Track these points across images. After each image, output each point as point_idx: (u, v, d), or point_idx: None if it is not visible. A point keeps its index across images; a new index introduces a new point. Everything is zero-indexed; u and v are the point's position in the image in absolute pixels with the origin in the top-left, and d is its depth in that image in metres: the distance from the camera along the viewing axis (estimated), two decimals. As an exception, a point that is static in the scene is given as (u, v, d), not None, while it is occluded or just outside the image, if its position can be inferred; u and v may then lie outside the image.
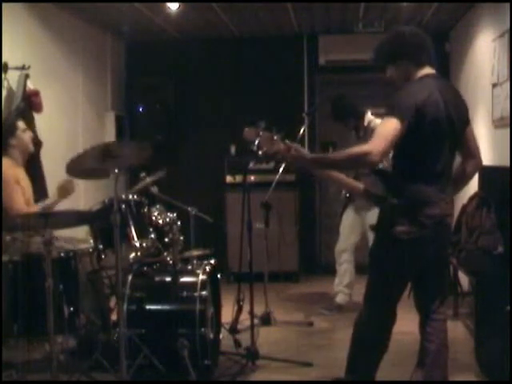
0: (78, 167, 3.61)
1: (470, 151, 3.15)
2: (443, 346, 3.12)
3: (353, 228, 5.50)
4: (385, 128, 2.80)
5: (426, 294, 3.15)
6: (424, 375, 3.09)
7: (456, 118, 2.99)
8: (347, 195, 5.46)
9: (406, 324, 3.42)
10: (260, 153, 3.06)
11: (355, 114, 5.36)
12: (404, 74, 3.06)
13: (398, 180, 2.91)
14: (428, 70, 3.04)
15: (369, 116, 5.35)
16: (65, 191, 4.28)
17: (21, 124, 4.37)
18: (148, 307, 3.95)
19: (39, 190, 4.56)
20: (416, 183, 2.91)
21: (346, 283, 5.57)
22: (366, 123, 5.32)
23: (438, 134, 2.92)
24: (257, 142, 3.08)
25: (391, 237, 2.98)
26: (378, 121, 5.26)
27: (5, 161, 4.23)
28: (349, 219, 5.53)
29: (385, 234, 3.04)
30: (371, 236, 5.26)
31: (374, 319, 3.12)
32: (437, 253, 3.06)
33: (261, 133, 3.10)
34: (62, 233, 4.08)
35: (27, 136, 4.36)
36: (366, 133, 5.28)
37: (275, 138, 3.07)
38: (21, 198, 4.17)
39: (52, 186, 5.07)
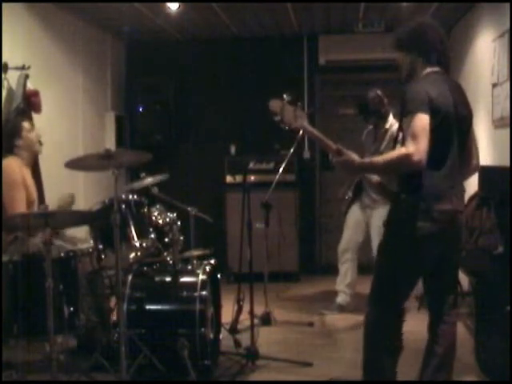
0: (77, 164, 3.74)
1: (471, 151, 3.15)
2: (451, 350, 3.10)
3: (357, 227, 5.49)
4: (418, 126, 2.78)
5: (438, 293, 3.13)
6: (429, 376, 3.08)
7: (464, 115, 3.01)
8: (351, 194, 5.45)
9: (409, 323, 3.41)
10: (282, 126, 3.09)
11: (378, 112, 5.31)
12: (411, 65, 3.07)
13: (411, 176, 2.91)
14: (435, 68, 3.05)
15: (391, 119, 5.28)
16: (65, 205, 4.32)
17: (26, 124, 4.37)
18: (148, 307, 3.95)
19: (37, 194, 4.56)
20: (428, 179, 2.90)
21: (347, 283, 5.57)
22: (387, 125, 5.25)
23: (449, 130, 2.92)
24: (279, 115, 3.10)
25: (403, 232, 2.96)
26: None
27: (13, 160, 4.23)
28: (353, 218, 5.51)
29: (396, 230, 3.02)
30: (375, 235, 5.29)
31: (383, 318, 3.07)
32: (449, 250, 3.04)
33: (285, 106, 3.10)
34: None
35: (33, 135, 4.36)
36: (385, 136, 5.21)
37: (298, 113, 3.09)
38: (23, 200, 4.17)
39: (51, 186, 5.08)
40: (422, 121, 2.79)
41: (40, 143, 4.43)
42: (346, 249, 5.56)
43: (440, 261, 3.04)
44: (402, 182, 3.01)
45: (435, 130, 2.82)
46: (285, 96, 3.18)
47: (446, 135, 2.92)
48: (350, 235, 5.55)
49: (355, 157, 2.94)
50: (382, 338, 3.08)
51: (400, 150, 2.82)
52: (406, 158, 2.75)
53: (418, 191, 2.92)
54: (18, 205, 4.09)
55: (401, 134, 2.99)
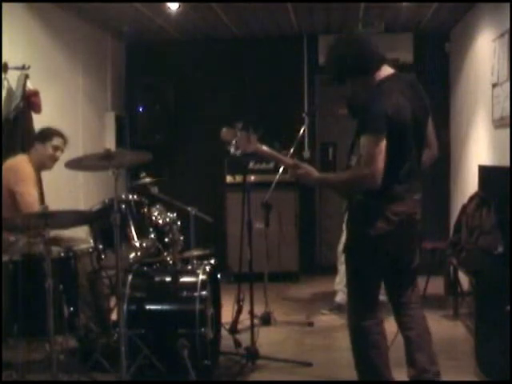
0: (77, 164, 3.75)
1: (427, 142, 3.18)
2: (424, 331, 3.16)
3: None
4: (374, 148, 2.85)
5: (396, 289, 3.21)
6: (410, 362, 3.12)
7: (420, 115, 3.03)
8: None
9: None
10: (238, 153, 3.20)
11: None
12: (363, 84, 3.08)
13: None
14: (384, 72, 3.05)
15: None
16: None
17: (59, 141, 4.36)
18: (148, 307, 3.95)
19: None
20: (385, 182, 2.93)
21: (346, 282, 5.56)
22: None
23: (405, 137, 2.96)
24: (234, 143, 3.19)
25: (359, 232, 3.05)
26: None
27: (24, 159, 4.28)
28: None
29: (353, 230, 3.12)
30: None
31: (358, 317, 3.15)
32: (405, 248, 3.12)
33: (238, 133, 3.20)
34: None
35: (55, 154, 4.36)
36: None
37: (251, 138, 3.21)
38: (36, 195, 4.20)
39: (51, 186, 5.08)
40: (379, 142, 2.85)
41: (55, 159, 4.41)
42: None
43: (397, 259, 3.12)
44: None
45: (392, 143, 2.87)
46: (237, 125, 3.27)
47: (403, 144, 2.96)
48: None
49: (313, 171, 3.08)
50: (364, 338, 3.13)
51: (356, 171, 2.94)
52: (362, 179, 2.89)
53: (374, 193, 2.96)
54: (33, 200, 4.11)
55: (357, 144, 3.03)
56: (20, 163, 4.27)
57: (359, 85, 3.10)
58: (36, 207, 4.04)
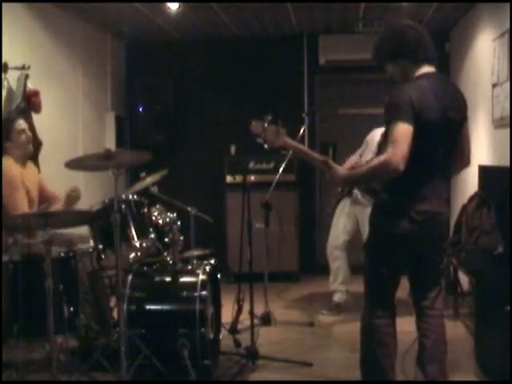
0: (77, 164, 3.75)
1: (463, 150, 3.17)
2: (440, 341, 3.14)
3: (345, 224, 5.46)
4: (398, 133, 2.84)
5: (420, 289, 3.18)
6: (421, 369, 3.10)
7: (453, 117, 3.01)
8: (341, 190, 5.40)
9: (407, 324, 3.43)
10: (266, 146, 3.16)
11: None
12: (403, 72, 3.09)
13: (393, 177, 2.95)
14: (426, 69, 3.06)
15: None
16: (71, 200, 4.31)
17: (18, 125, 4.32)
18: (148, 307, 3.95)
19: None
20: (409, 181, 2.93)
21: (340, 280, 5.55)
22: None
23: (432, 135, 2.94)
24: (263, 136, 3.17)
25: (382, 231, 3.04)
26: None
27: (10, 160, 4.24)
28: (342, 215, 5.47)
29: (376, 228, 3.11)
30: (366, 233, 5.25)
31: (372, 315, 3.12)
32: (430, 248, 3.09)
33: (266, 126, 3.16)
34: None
35: (23, 137, 4.31)
36: None
37: (280, 131, 3.16)
38: (24, 199, 4.18)
39: (51, 186, 5.08)
40: (403, 129, 2.83)
41: (36, 144, 4.40)
42: (334, 246, 5.53)
43: (421, 259, 3.11)
44: (385, 182, 3.05)
45: (418, 136, 2.85)
46: (266, 117, 3.24)
47: (429, 140, 2.94)
48: (338, 233, 5.51)
49: (340, 170, 3.03)
50: (373, 335, 3.11)
51: (380, 158, 2.88)
52: (384, 164, 2.83)
53: (399, 191, 2.97)
54: (20, 206, 4.10)
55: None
56: (4, 168, 4.17)
57: (399, 71, 3.09)
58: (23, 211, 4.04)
